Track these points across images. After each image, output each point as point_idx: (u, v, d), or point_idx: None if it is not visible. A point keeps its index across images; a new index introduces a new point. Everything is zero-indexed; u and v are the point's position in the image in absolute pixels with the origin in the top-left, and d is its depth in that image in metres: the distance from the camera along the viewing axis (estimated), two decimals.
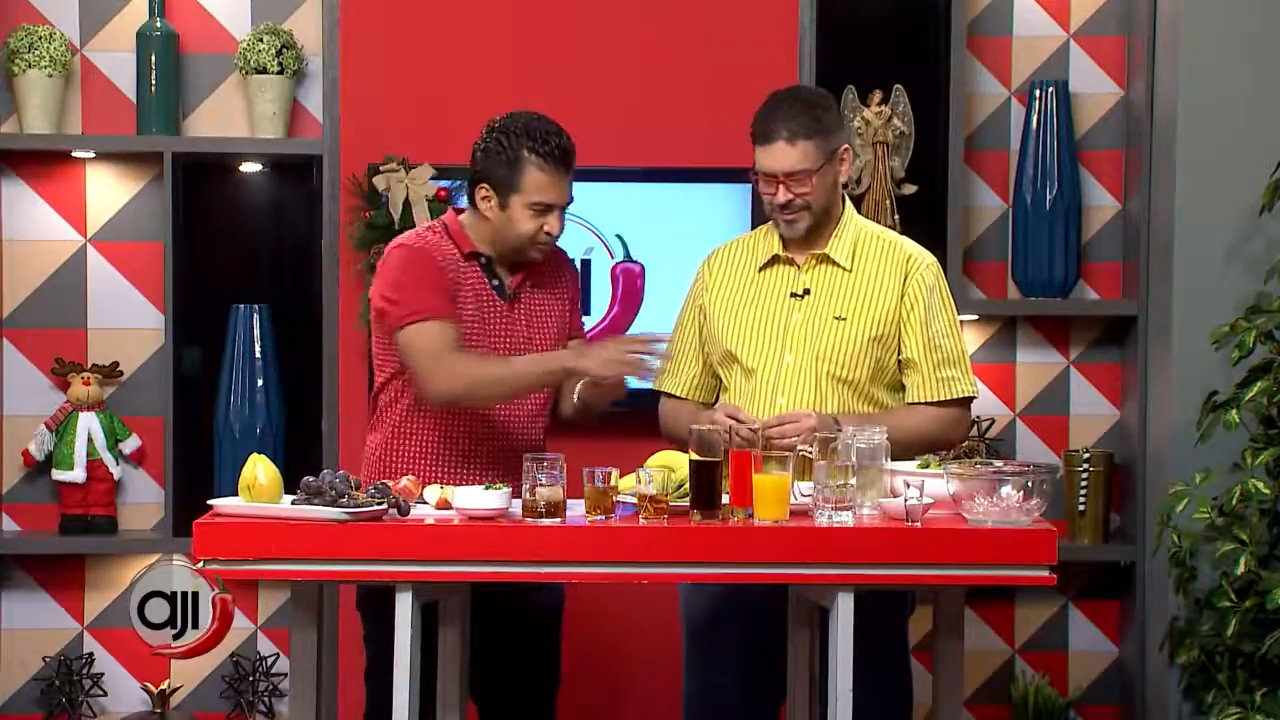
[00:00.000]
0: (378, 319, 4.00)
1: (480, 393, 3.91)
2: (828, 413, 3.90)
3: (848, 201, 4.09)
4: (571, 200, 4.00)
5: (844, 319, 3.97)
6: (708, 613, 4.03)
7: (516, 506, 3.57)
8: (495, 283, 4.01)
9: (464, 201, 4.11)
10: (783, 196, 3.95)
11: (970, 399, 4.05)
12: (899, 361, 4.01)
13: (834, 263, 4.00)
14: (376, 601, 3.87)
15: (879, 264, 4.01)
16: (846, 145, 4.00)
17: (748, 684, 4.05)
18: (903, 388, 4.03)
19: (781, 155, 3.93)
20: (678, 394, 4.14)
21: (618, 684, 5.04)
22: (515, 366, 3.92)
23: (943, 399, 4.00)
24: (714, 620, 4.02)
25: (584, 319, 4.94)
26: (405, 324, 3.90)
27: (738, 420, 3.81)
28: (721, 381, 4.10)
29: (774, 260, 4.05)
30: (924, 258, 4.04)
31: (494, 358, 3.95)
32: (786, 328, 3.99)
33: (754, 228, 4.78)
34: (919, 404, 4.00)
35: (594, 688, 4.99)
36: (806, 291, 4.01)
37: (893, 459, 3.63)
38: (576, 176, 4.92)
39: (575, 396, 4.02)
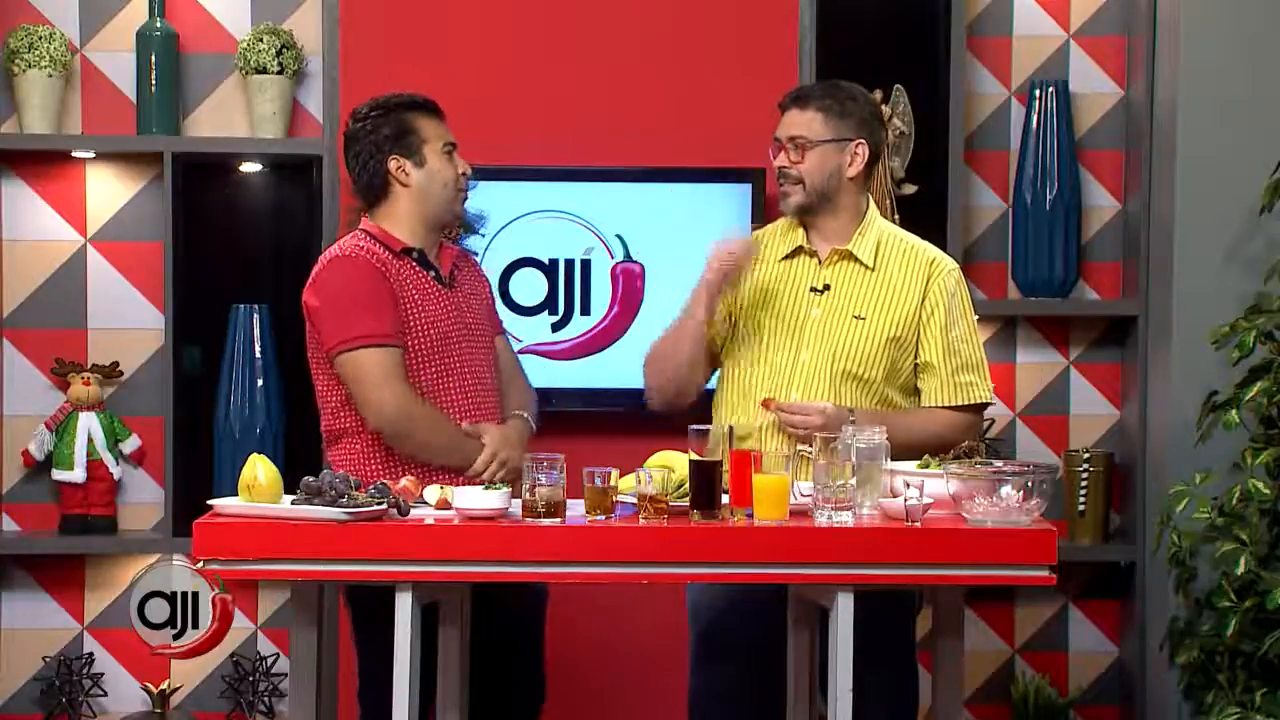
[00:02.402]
0: (314, 336, 3.99)
1: (419, 445, 3.93)
2: (843, 406, 3.90)
3: (872, 203, 4.09)
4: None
5: (863, 318, 3.98)
6: (715, 613, 4.02)
7: (516, 506, 3.57)
8: (433, 273, 4.03)
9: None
10: (779, 160, 4.00)
11: (985, 404, 4.06)
12: (916, 365, 4.01)
13: (856, 260, 4.01)
14: (372, 612, 3.87)
15: (901, 266, 4.01)
16: (862, 140, 3.99)
17: (754, 684, 4.05)
18: (916, 391, 4.03)
19: (789, 119, 4.00)
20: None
21: (617, 684, 5.03)
22: (455, 440, 3.94)
23: (960, 404, 4.00)
24: (721, 621, 4.02)
25: (585, 316, 4.97)
26: (347, 348, 3.90)
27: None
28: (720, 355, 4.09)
29: (797, 251, 4.05)
30: (946, 263, 4.05)
31: (447, 425, 3.94)
32: (804, 323, 4.00)
33: (754, 228, 4.78)
34: (934, 407, 4.00)
35: (593, 688, 4.99)
36: (826, 287, 4.01)
37: (904, 460, 3.64)
38: (577, 177, 4.96)
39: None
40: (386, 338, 3.90)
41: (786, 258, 4.06)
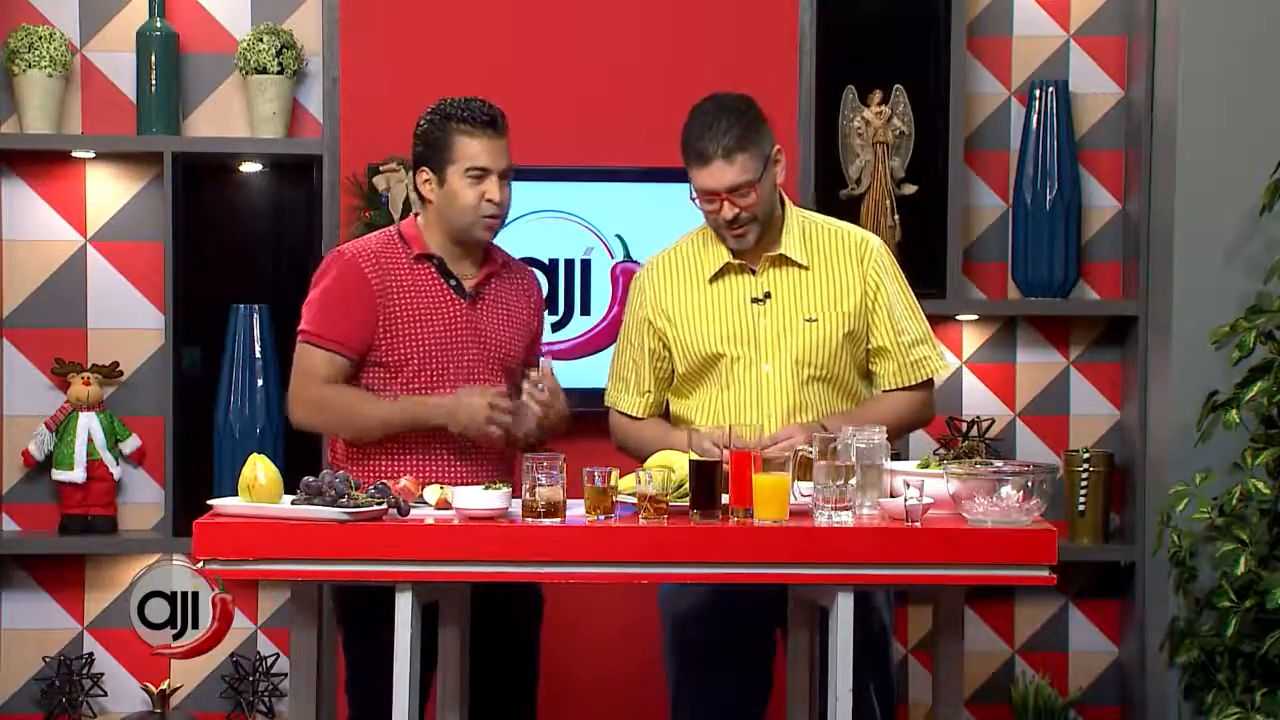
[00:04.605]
0: None
1: (334, 427, 4.00)
2: (812, 420, 3.88)
3: (785, 196, 4.05)
4: (511, 165, 3.99)
5: (815, 320, 3.95)
6: (690, 611, 4.00)
7: (516, 506, 3.57)
8: (453, 282, 4.00)
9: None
10: (728, 212, 3.89)
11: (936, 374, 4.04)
12: (868, 350, 4.00)
13: (791, 262, 3.97)
14: (359, 613, 3.86)
15: (834, 256, 3.98)
16: (779, 145, 3.95)
17: (732, 682, 4.03)
18: (869, 373, 4.02)
19: (720, 173, 3.88)
20: (634, 414, 4.08)
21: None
22: (379, 410, 3.93)
23: (918, 381, 4.00)
24: (697, 619, 4.00)
25: (586, 316, 4.96)
26: (300, 338, 3.99)
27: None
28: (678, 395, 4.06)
29: (725, 269, 3.99)
30: (872, 240, 4.02)
31: (365, 396, 3.95)
32: (755, 335, 3.95)
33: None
34: (891, 390, 4.00)
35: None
36: (767, 295, 3.97)
37: None
38: (577, 177, 4.95)
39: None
40: (329, 340, 3.95)
41: (715, 278, 4.00)
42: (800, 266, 3.97)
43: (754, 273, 3.97)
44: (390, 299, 3.94)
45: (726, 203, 3.89)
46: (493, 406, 3.87)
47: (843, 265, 3.98)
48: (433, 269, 4.00)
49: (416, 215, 4.08)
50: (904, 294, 4.02)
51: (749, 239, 3.94)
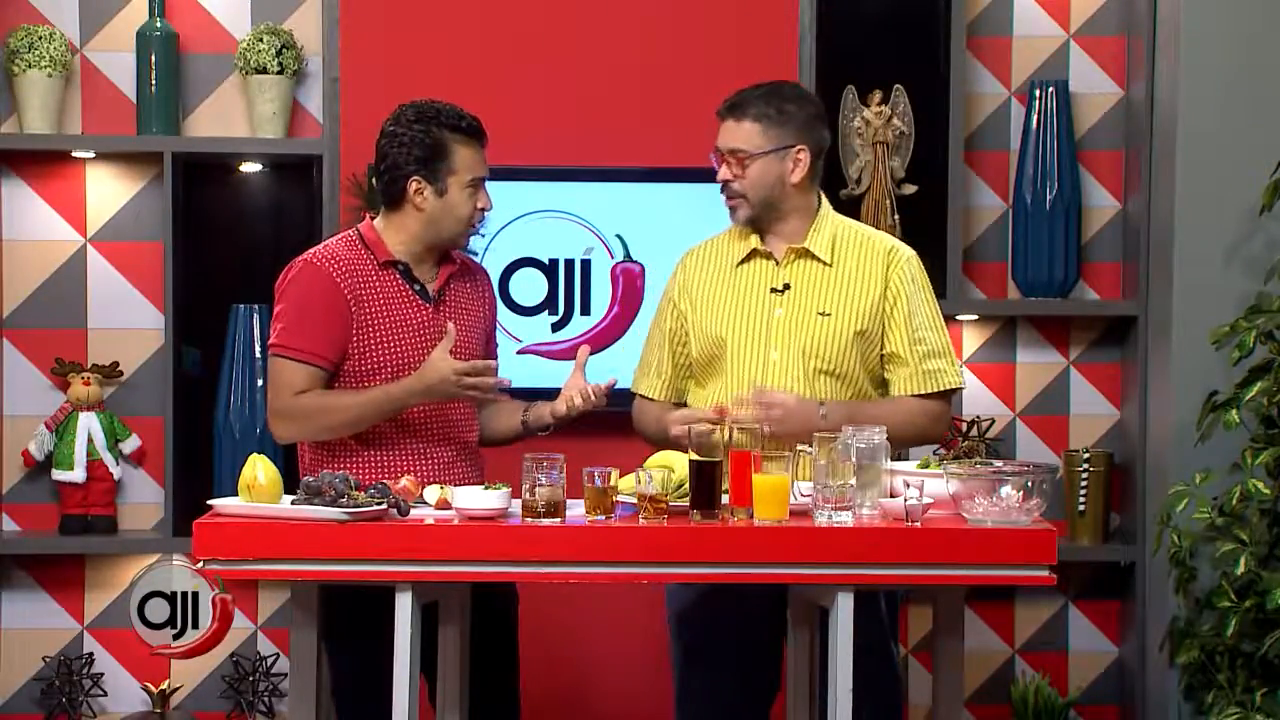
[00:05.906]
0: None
1: (318, 432, 3.94)
2: (813, 399, 3.89)
3: (824, 198, 4.05)
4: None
5: (828, 314, 3.95)
6: (697, 611, 4.00)
7: (516, 506, 3.57)
8: (416, 287, 3.99)
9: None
10: (722, 174, 3.95)
11: (955, 390, 4.03)
12: (882, 356, 4.00)
13: (814, 257, 3.98)
14: (345, 618, 3.85)
15: (859, 258, 3.99)
16: (803, 146, 3.94)
17: (736, 682, 4.03)
18: (885, 382, 4.02)
19: (728, 131, 3.94)
20: (650, 395, 4.11)
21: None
22: (356, 400, 3.91)
23: (930, 391, 3.99)
24: (700, 619, 4.00)
25: (585, 316, 4.96)
26: (274, 352, 3.94)
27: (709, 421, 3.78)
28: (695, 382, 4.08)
29: (752, 255, 4.02)
30: (904, 250, 4.03)
31: (339, 393, 3.93)
32: (769, 324, 3.97)
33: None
34: (904, 396, 3.99)
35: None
36: (787, 286, 3.98)
37: None
38: (577, 177, 4.96)
39: (522, 420, 4.08)
40: (305, 353, 3.90)
41: (742, 263, 4.02)
42: (823, 263, 3.98)
43: (778, 263, 3.99)
44: (362, 307, 3.92)
45: (724, 164, 3.94)
46: (457, 373, 3.85)
47: (866, 266, 3.98)
48: (398, 275, 3.98)
49: (373, 218, 4.04)
50: (928, 308, 4.01)
51: (737, 214, 3.97)
